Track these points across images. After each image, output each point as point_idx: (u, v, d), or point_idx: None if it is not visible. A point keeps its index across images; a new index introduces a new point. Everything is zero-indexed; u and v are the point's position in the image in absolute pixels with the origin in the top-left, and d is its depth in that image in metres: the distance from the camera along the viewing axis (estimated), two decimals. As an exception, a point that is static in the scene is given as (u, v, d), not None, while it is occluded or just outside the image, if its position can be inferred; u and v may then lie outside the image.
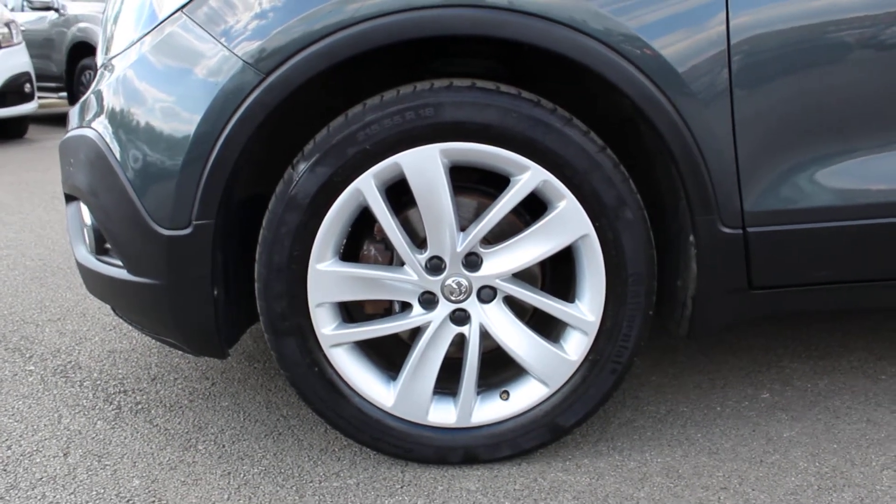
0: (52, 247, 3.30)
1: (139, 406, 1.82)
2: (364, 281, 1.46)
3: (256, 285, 1.47)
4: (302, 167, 1.41)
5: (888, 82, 1.43)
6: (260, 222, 1.46)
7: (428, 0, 1.35)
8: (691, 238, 1.47)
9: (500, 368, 1.59)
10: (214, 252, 1.46)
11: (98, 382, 1.95)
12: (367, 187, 1.41)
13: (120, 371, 2.02)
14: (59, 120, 8.37)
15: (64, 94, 8.18)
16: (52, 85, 8.22)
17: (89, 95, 1.65)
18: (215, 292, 1.49)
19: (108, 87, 1.55)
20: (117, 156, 1.49)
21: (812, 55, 1.41)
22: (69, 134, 1.68)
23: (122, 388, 1.92)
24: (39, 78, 7.70)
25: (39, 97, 7.53)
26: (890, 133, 1.45)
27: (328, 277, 1.45)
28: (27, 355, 2.13)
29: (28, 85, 7.05)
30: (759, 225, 1.46)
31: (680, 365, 1.99)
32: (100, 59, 1.74)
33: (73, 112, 1.72)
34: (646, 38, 1.37)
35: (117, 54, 1.59)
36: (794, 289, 1.53)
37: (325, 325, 1.47)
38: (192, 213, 1.43)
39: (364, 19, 1.36)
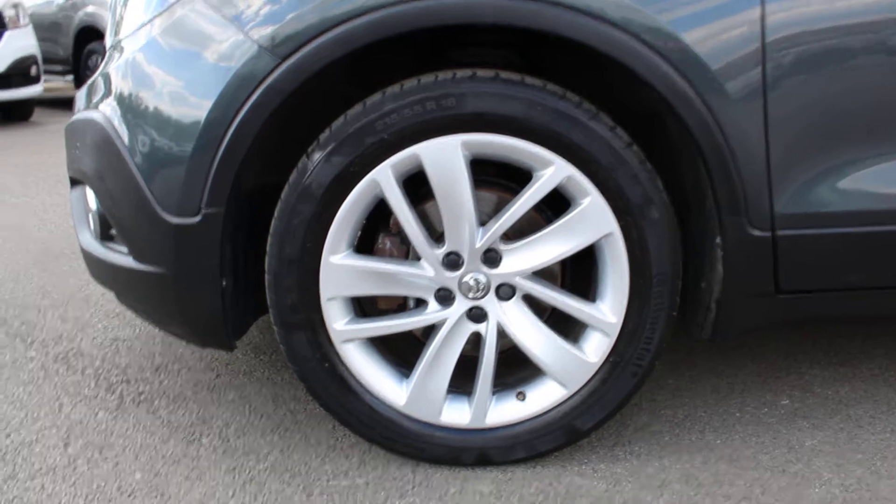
0: (56, 231, 3.25)
1: (142, 396, 1.78)
2: (378, 275, 1.41)
3: (266, 277, 1.42)
4: (317, 156, 1.36)
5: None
6: (271, 212, 1.42)
7: (451, -15, 1.30)
8: (718, 240, 1.42)
9: (516, 367, 1.54)
10: (224, 242, 1.41)
11: (100, 371, 1.91)
12: (384, 179, 1.36)
13: (123, 360, 1.97)
14: (65, 104, 8.31)
15: (70, 77, 8.12)
16: (59, 68, 8.16)
17: (97, 77, 1.60)
18: (224, 283, 1.44)
19: (116, 69, 1.50)
20: (125, 140, 1.44)
21: (851, 53, 1.35)
22: (76, 117, 1.63)
23: (124, 378, 1.87)
24: (46, 61, 7.65)
25: (46, 80, 7.49)
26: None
27: (341, 271, 1.40)
28: (28, 341, 2.09)
29: (34, 68, 7.00)
30: (790, 228, 1.40)
31: (698, 368, 1.94)
32: (109, 40, 1.69)
33: (81, 94, 1.68)
34: (677, 31, 1.32)
35: (127, 36, 1.54)
36: (823, 294, 1.48)
37: (337, 320, 1.42)
38: (201, 201, 1.38)
39: (382, 6, 1.31)
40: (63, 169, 4.45)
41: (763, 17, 1.33)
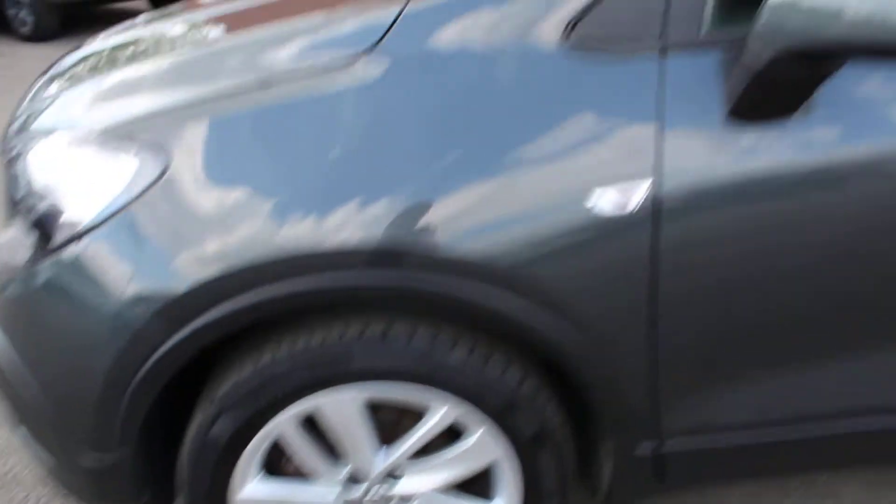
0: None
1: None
2: (287, 501, 1.50)
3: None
4: (214, 410, 1.39)
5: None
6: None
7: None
8: (608, 445, 1.51)
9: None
10: (139, 475, 1.47)
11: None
12: (282, 428, 1.41)
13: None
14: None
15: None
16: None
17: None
18: (144, 499, 1.52)
19: (8, 301, 1.47)
20: (26, 375, 1.46)
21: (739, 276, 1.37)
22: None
23: (67, 512, 1.97)
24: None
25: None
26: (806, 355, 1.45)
27: (251, 502, 1.48)
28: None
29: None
30: (677, 437, 1.49)
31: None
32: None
33: None
34: (550, 276, 1.32)
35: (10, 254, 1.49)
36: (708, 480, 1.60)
37: (256, 537, 1.52)
38: (110, 445, 1.42)
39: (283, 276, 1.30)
40: None
41: (654, 258, 1.32)
